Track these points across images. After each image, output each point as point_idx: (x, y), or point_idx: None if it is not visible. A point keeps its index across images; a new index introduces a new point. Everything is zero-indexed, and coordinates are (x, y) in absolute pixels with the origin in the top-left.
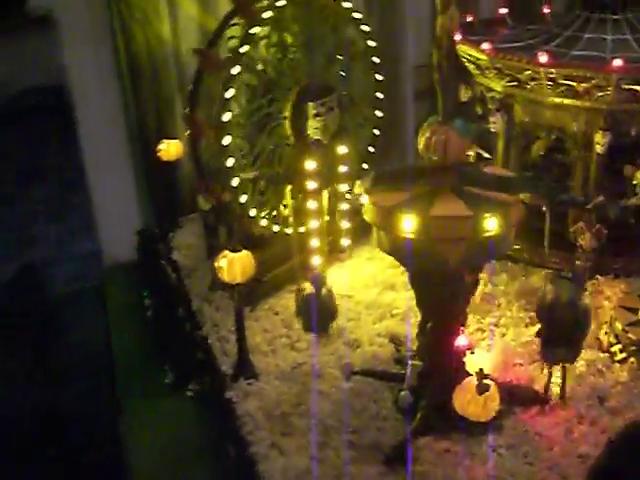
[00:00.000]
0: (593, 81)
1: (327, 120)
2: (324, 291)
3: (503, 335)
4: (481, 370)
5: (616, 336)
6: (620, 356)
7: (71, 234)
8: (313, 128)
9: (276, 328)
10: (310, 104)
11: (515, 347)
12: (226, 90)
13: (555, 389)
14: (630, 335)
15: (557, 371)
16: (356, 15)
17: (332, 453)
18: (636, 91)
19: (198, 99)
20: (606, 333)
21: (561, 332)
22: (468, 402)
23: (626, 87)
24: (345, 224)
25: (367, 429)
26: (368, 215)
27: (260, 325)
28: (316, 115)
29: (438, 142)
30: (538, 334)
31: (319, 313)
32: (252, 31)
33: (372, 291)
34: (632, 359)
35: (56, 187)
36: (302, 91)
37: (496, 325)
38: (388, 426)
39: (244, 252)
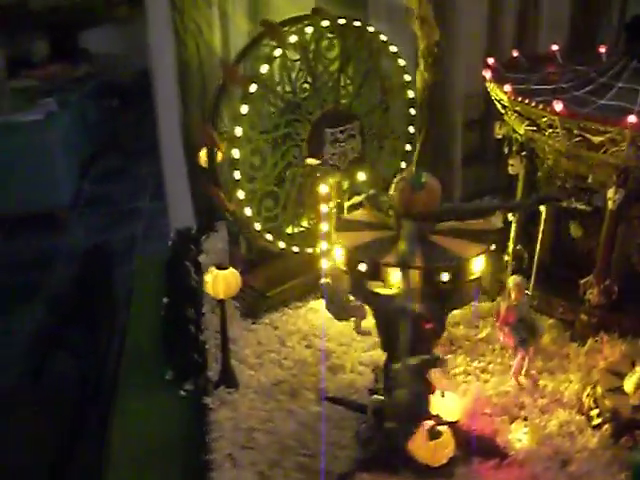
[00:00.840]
0: (607, 135)
1: (346, 147)
2: (338, 293)
3: (486, 382)
4: (437, 416)
5: (595, 400)
6: (596, 421)
7: (164, 213)
8: (330, 154)
9: (270, 343)
10: (328, 130)
11: (491, 396)
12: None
13: (516, 445)
14: (607, 401)
15: (521, 427)
16: (393, 49)
17: (281, 472)
18: None
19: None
20: (588, 395)
21: None
22: (419, 445)
23: None
24: None
25: (323, 455)
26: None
27: (255, 337)
28: (334, 141)
29: (395, 191)
30: None
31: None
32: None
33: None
34: (607, 426)
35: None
36: (323, 116)
37: (483, 371)
38: (343, 455)
39: (230, 270)
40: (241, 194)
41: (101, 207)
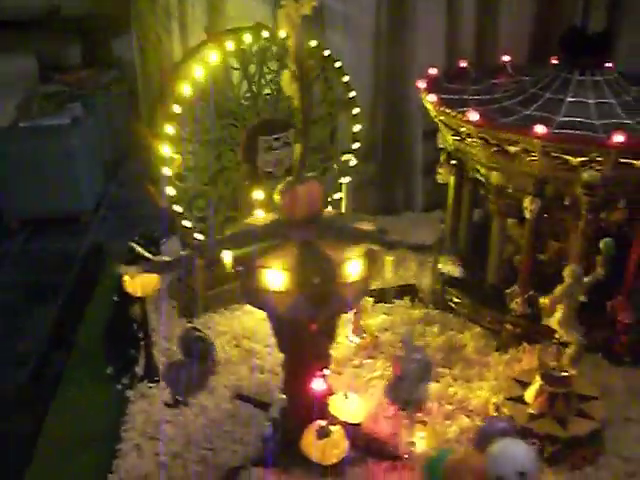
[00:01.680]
0: (520, 144)
1: (281, 154)
2: None
3: None
4: (331, 416)
5: (497, 408)
6: None
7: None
8: (265, 160)
9: None
10: (262, 138)
11: None
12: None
13: (412, 448)
14: (505, 409)
15: (419, 431)
16: (337, 64)
17: (181, 463)
18: (564, 160)
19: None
20: (494, 403)
21: None
22: (310, 444)
23: (554, 155)
24: None
25: (224, 450)
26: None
27: None
28: (269, 148)
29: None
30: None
31: None
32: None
33: None
34: None
35: None
36: (259, 124)
37: None
38: (243, 450)
39: None
40: (171, 191)
41: (123, 211)
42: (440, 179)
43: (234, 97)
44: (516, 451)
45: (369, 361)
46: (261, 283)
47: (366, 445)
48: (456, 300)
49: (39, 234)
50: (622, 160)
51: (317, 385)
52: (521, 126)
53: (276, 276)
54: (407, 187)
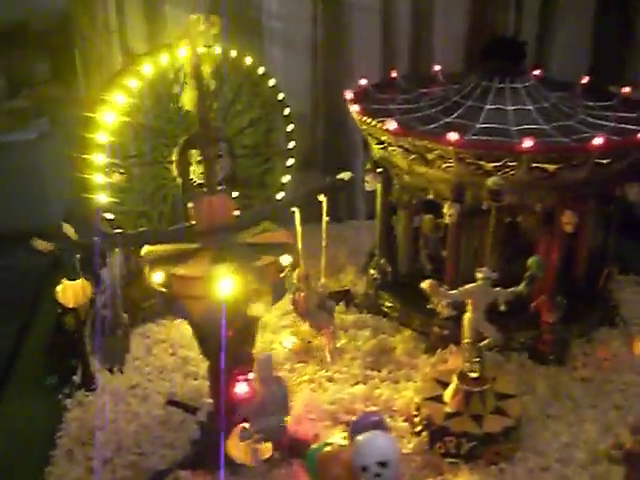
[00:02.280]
0: (436, 152)
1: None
2: None
3: (325, 390)
4: None
5: (417, 407)
6: (417, 428)
7: None
8: (198, 173)
9: (137, 351)
10: (194, 151)
11: (322, 402)
12: None
13: None
14: (423, 409)
15: (340, 432)
16: (286, 111)
17: (110, 469)
18: (479, 166)
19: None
20: (415, 402)
21: None
22: (234, 445)
23: (468, 161)
24: None
25: (153, 454)
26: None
27: None
28: (201, 161)
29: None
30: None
31: None
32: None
33: None
34: (425, 433)
35: None
36: (191, 137)
37: (329, 379)
38: (172, 455)
39: (79, 281)
40: (110, 215)
41: (90, 225)
42: (368, 187)
43: (162, 115)
44: (377, 442)
45: (300, 365)
46: (175, 290)
47: (290, 446)
48: (388, 304)
49: (6, 249)
50: (534, 165)
51: (240, 389)
52: (436, 133)
53: (189, 283)
54: (349, 196)
